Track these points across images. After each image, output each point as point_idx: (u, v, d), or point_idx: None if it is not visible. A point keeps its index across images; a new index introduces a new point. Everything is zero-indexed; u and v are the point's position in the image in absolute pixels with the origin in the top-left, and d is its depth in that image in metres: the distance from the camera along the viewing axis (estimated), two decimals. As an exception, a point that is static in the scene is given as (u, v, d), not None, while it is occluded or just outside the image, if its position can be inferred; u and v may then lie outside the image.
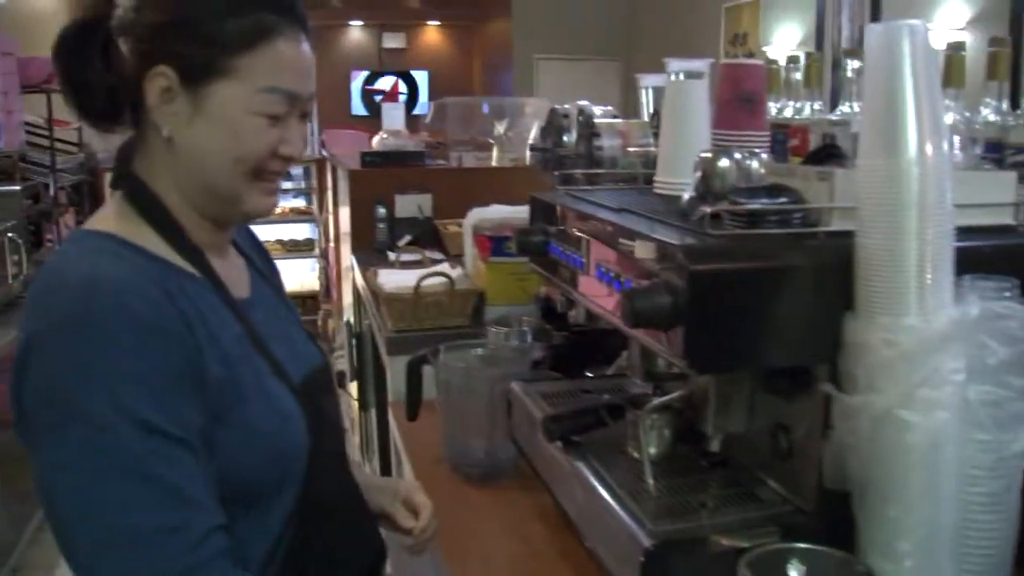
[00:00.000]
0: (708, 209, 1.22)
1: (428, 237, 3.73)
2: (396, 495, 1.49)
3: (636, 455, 1.44)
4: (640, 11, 10.05)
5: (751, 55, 8.13)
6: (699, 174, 1.33)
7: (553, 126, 2.27)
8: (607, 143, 2.00)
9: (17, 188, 4.65)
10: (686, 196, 1.34)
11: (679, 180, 1.58)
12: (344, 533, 1.30)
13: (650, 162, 2.03)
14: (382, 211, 3.82)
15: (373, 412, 3.77)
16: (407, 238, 3.75)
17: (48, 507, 1.03)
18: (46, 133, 5.73)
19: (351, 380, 4.31)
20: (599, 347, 2.11)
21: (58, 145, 5.82)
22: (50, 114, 5.70)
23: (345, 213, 4.49)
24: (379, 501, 1.47)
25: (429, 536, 1.47)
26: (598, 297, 1.40)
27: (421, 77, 11.34)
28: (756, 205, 1.20)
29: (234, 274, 1.25)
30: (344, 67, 11.18)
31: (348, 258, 4.19)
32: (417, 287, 2.46)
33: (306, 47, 1.20)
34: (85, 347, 1.02)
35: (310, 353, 1.33)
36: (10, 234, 4.16)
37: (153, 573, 1.01)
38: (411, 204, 3.84)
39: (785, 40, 7.60)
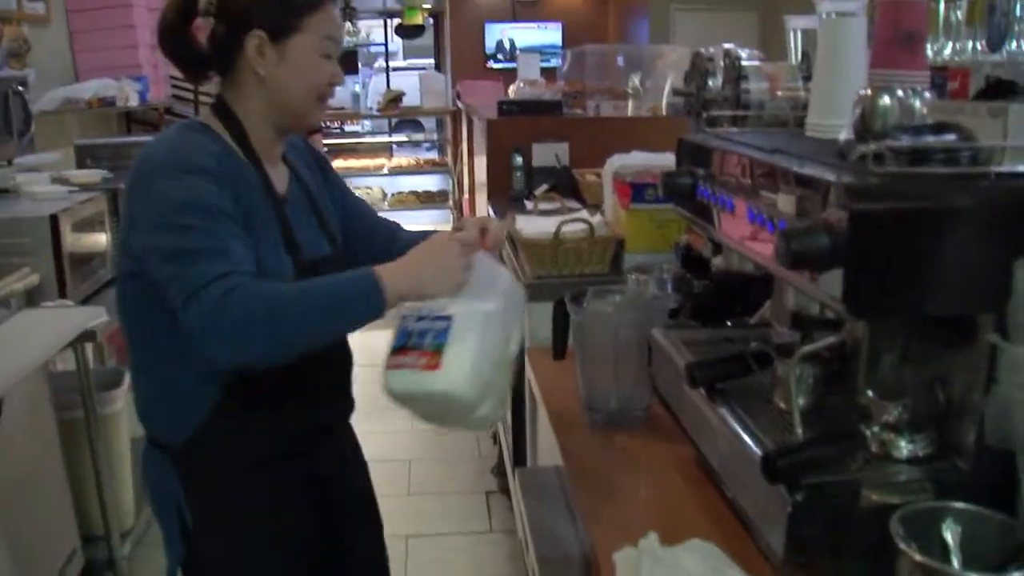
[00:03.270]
0: (869, 147, 1.16)
1: (565, 185, 3.72)
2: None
3: (783, 405, 1.40)
4: (782, -42, 9.75)
5: (900, 2, 7.78)
6: (858, 112, 1.26)
7: (698, 70, 2.21)
8: (754, 86, 1.93)
9: (162, 138, 4.81)
10: (843, 136, 1.27)
11: (833, 122, 1.52)
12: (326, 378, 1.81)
13: (799, 106, 1.96)
14: (519, 160, 3.81)
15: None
16: (544, 186, 3.74)
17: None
18: (190, 87, 5.90)
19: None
20: (741, 296, 2.06)
21: (201, 98, 5.99)
22: (195, 66, 5.86)
23: (481, 163, 4.50)
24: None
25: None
26: (749, 239, 1.36)
27: (555, 28, 11.25)
28: (921, 143, 1.13)
29: (278, 178, 1.75)
30: (478, 19, 11.16)
31: (484, 208, 4.20)
32: (557, 233, 2.44)
33: (338, 12, 1.77)
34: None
35: (320, 245, 1.78)
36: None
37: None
38: (548, 153, 3.83)
39: (937, -14, 7.24)
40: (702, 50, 2.22)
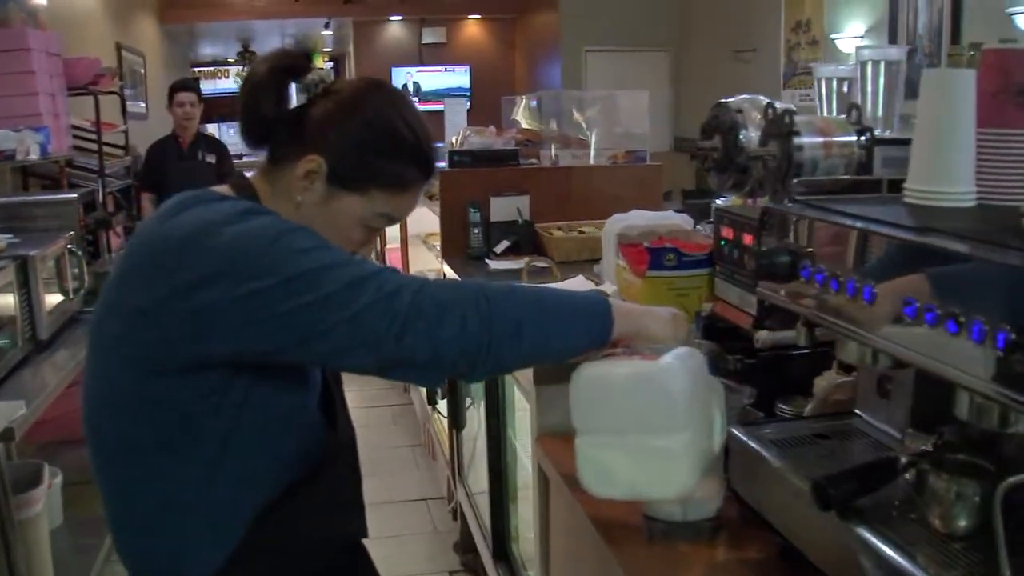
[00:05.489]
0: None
1: (528, 242, 3.48)
2: None
3: (939, 526, 1.17)
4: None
5: (815, 42, 7.86)
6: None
7: (723, 122, 2.01)
8: (808, 142, 1.74)
9: (74, 196, 4.37)
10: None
11: (941, 190, 1.32)
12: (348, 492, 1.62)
13: (852, 165, 1.77)
14: (476, 215, 3.56)
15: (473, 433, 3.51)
16: (505, 243, 3.50)
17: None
18: (93, 137, 5.50)
19: (442, 398, 4.04)
20: (791, 374, 1.86)
21: (105, 149, 5.59)
22: (98, 116, 5.47)
23: (424, 216, 4.23)
24: None
25: None
26: (903, 337, 1.13)
27: (463, 72, 11.10)
28: None
29: None
30: (384, 63, 10.94)
31: (438, 263, 3.93)
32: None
33: (422, 191, 1.53)
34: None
35: None
36: (69, 246, 3.89)
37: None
38: (508, 207, 3.58)
39: (853, 27, 7.28)
40: (727, 100, 2.03)
